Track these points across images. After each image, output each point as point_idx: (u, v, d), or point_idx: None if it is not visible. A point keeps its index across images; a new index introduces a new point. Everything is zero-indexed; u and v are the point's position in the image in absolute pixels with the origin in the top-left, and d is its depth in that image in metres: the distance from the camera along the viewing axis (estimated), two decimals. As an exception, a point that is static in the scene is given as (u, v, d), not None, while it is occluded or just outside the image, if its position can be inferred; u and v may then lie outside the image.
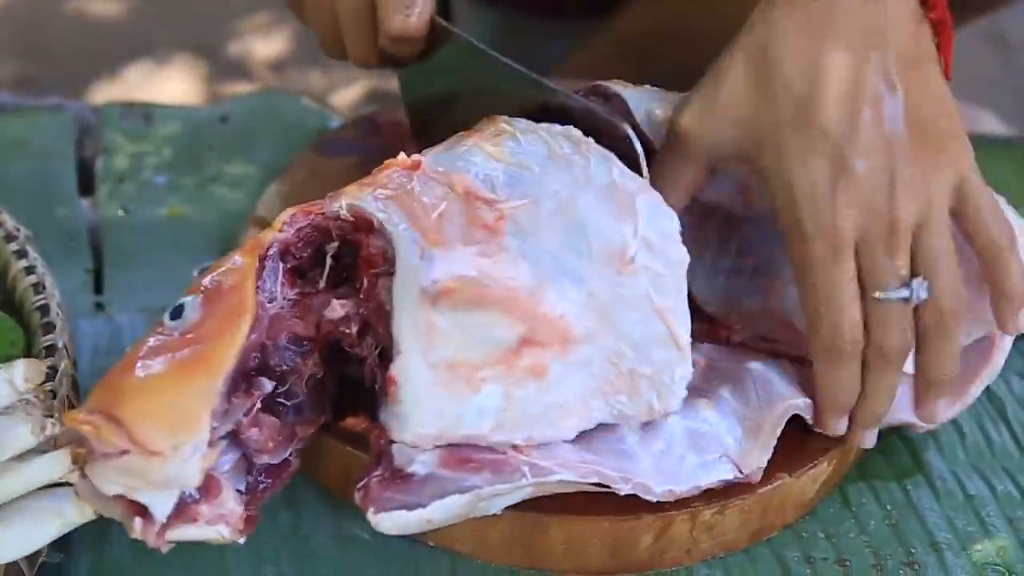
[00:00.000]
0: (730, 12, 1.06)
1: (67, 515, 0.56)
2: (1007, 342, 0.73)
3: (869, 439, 0.68)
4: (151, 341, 0.58)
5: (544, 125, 0.66)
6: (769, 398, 0.67)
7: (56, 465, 0.55)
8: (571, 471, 0.61)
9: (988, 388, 0.79)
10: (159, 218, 0.89)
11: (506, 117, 0.67)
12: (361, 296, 0.61)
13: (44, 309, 0.68)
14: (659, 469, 0.64)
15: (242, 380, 0.58)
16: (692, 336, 0.63)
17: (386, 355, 0.60)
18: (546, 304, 0.59)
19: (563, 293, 0.60)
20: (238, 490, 0.58)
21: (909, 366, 0.67)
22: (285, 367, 0.60)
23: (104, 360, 0.76)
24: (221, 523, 0.56)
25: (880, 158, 0.63)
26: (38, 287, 0.69)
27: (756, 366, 0.69)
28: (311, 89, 1.83)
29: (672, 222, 0.63)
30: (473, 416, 0.59)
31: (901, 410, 0.69)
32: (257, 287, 0.60)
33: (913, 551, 0.69)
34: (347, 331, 0.61)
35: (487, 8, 1.29)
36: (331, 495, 0.69)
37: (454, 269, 0.58)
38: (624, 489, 0.62)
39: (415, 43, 0.72)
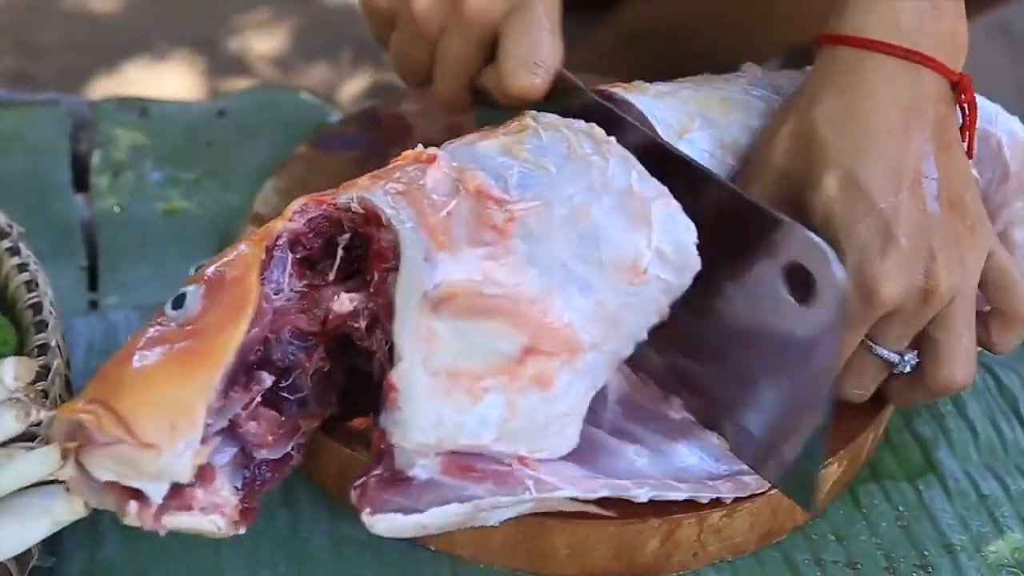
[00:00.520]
0: (729, 10, 1.06)
1: (57, 513, 0.55)
2: None
3: None
4: (151, 331, 0.57)
5: (568, 121, 0.64)
6: None
7: (45, 461, 0.54)
8: (577, 487, 0.59)
9: (1001, 384, 0.79)
10: (155, 214, 0.88)
11: (535, 112, 0.65)
12: (371, 290, 0.59)
13: (37, 307, 0.67)
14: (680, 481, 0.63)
15: (242, 374, 0.57)
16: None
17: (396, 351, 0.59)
18: (552, 312, 0.57)
19: (571, 301, 0.58)
20: (235, 486, 0.57)
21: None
22: (288, 361, 0.59)
23: (98, 359, 0.75)
24: (216, 512, 0.55)
25: (921, 235, 0.64)
26: (31, 284, 0.68)
27: None
28: (310, 85, 1.83)
29: (689, 232, 0.60)
30: (474, 426, 0.57)
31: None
32: (264, 278, 0.59)
33: (926, 553, 0.68)
34: (356, 325, 0.59)
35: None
36: (329, 496, 0.68)
37: (458, 273, 0.57)
38: (641, 495, 0.61)
39: (534, 100, 0.69)
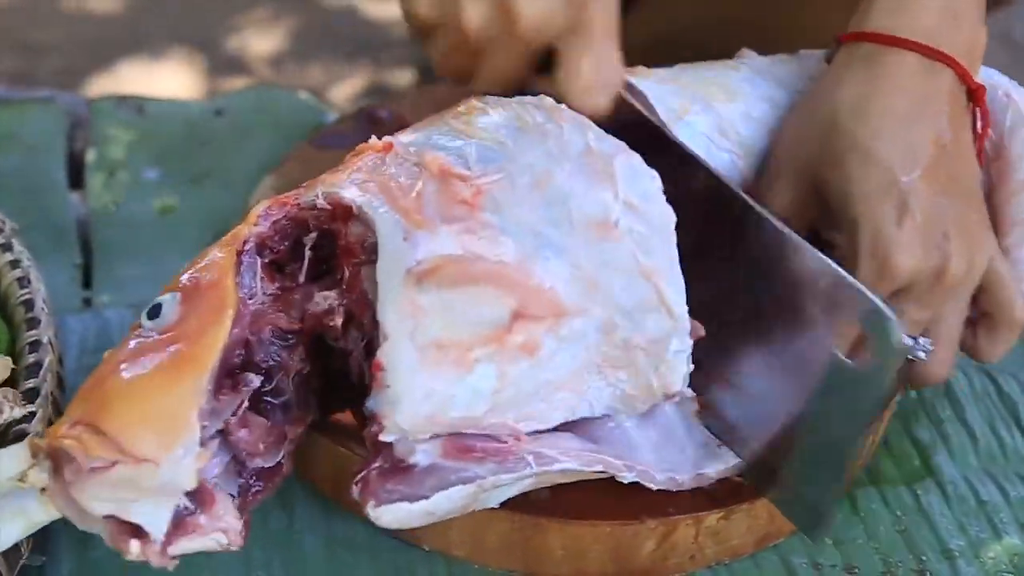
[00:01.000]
0: (735, 17, 1.06)
1: (32, 514, 0.54)
2: None
3: None
4: (131, 344, 0.56)
5: (517, 97, 0.64)
6: None
7: (14, 460, 0.53)
8: (575, 459, 0.59)
9: (1000, 390, 0.78)
10: (150, 213, 0.88)
11: (481, 96, 0.65)
12: (344, 287, 0.59)
13: (29, 304, 0.66)
14: (660, 457, 0.62)
15: (227, 377, 0.56)
16: None
17: (372, 347, 0.58)
18: (535, 277, 0.58)
19: (548, 266, 0.58)
20: (231, 494, 0.57)
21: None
22: (271, 362, 0.58)
23: (92, 357, 0.75)
24: (220, 533, 0.55)
25: (937, 215, 0.64)
26: (23, 281, 0.68)
27: None
28: (308, 84, 1.82)
29: (653, 181, 0.61)
30: (467, 397, 0.57)
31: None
32: (237, 283, 0.58)
33: (924, 558, 0.67)
34: (331, 324, 0.59)
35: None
36: (323, 496, 0.67)
37: (439, 249, 0.56)
38: (628, 477, 0.61)
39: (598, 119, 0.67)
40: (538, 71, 0.69)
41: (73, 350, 0.75)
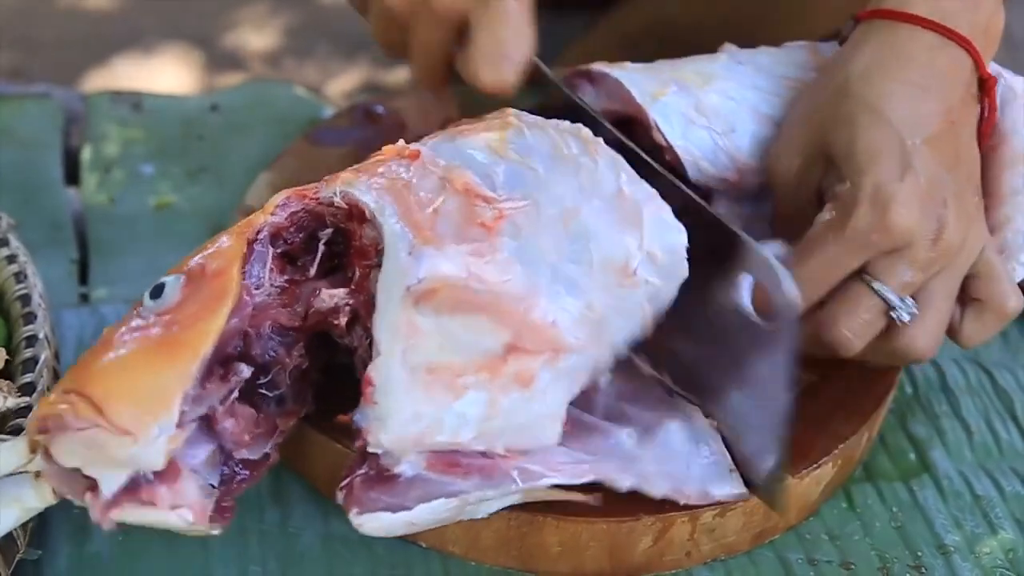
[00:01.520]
0: (727, 7, 1.06)
1: (26, 500, 0.54)
2: None
3: None
4: (130, 321, 0.56)
5: (553, 122, 0.64)
6: None
7: (14, 453, 0.53)
8: (562, 475, 0.59)
9: (996, 384, 0.78)
10: (146, 208, 0.87)
11: (515, 110, 0.65)
12: (352, 287, 0.59)
13: (25, 299, 0.66)
14: (662, 471, 0.62)
15: (219, 366, 0.56)
16: None
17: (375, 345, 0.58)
18: (537, 311, 0.57)
19: (558, 301, 0.57)
20: (212, 484, 0.56)
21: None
22: (268, 357, 0.58)
23: (88, 352, 0.75)
24: (182, 509, 0.54)
25: (939, 183, 0.64)
26: (20, 276, 0.68)
27: None
28: (305, 80, 1.82)
29: (680, 236, 0.61)
30: (453, 423, 0.56)
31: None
32: (244, 272, 0.58)
33: (920, 553, 0.67)
34: (336, 322, 0.59)
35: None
36: (319, 493, 0.67)
37: (442, 269, 0.56)
38: (624, 484, 0.60)
39: (504, 94, 0.69)
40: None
41: (70, 345, 0.75)
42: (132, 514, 0.54)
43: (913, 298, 0.65)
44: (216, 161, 0.91)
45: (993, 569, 0.67)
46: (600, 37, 1.21)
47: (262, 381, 0.58)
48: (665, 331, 0.63)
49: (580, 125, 0.63)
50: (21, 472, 0.54)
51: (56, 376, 0.65)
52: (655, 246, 0.60)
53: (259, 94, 0.99)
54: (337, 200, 0.59)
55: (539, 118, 0.64)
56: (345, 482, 0.56)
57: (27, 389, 0.61)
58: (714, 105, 0.71)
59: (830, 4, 0.71)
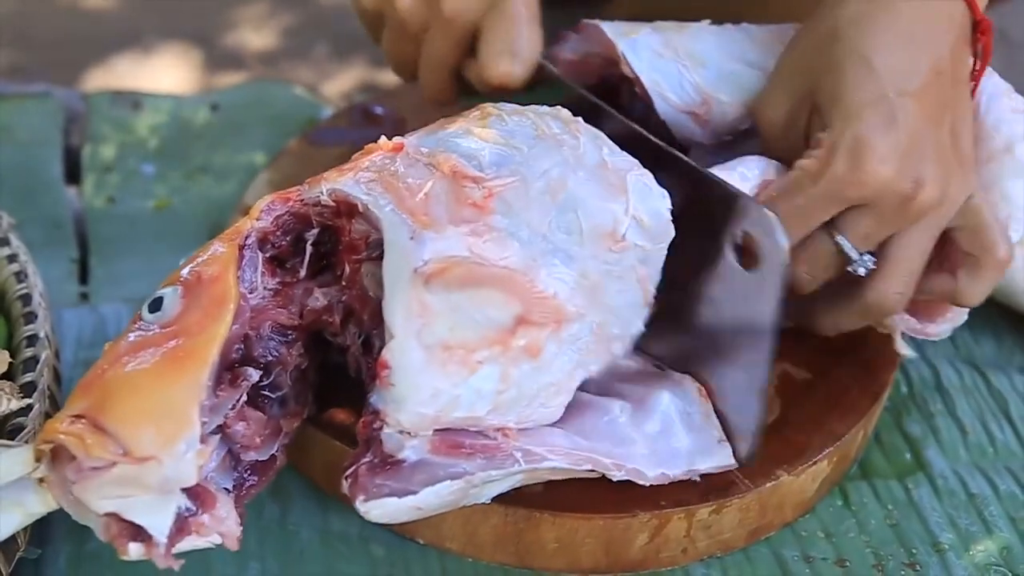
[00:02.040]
0: (717, 5, 1.06)
1: (29, 505, 0.54)
2: None
3: None
4: (131, 336, 0.56)
5: (532, 107, 0.65)
6: None
7: (19, 462, 0.53)
8: (563, 458, 0.60)
9: (991, 386, 0.78)
10: (146, 208, 0.88)
11: (494, 103, 0.65)
12: (343, 283, 0.59)
13: (26, 298, 0.67)
14: (654, 451, 0.63)
15: (226, 372, 0.56)
16: None
17: (369, 343, 0.59)
18: (540, 283, 0.58)
19: (554, 272, 0.59)
20: (225, 488, 0.57)
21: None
22: (270, 358, 0.59)
23: (88, 351, 0.75)
24: (218, 534, 0.55)
25: (920, 139, 0.64)
26: (20, 276, 0.68)
27: None
28: (304, 80, 1.83)
29: (663, 200, 0.62)
30: (470, 398, 0.57)
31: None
32: (238, 277, 0.58)
33: (915, 551, 0.68)
34: (330, 320, 0.59)
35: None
36: (318, 489, 0.68)
37: (445, 249, 0.57)
38: (617, 476, 0.61)
39: (515, 90, 0.71)
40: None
41: (70, 344, 0.75)
42: (179, 547, 0.54)
43: (879, 251, 0.65)
44: (215, 160, 0.92)
45: (987, 567, 0.67)
46: None
47: (264, 383, 0.59)
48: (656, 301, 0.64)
49: (560, 108, 0.65)
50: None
51: (56, 375, 0.65)
52: (641, 211, 0.61)
53: (258, 94, 0.99)
54: (324, 199, 0.59)
55: (516, 106, 0.65)
56: (350, 471, 0.57)
57: (28, 388, 0.61)
58: (686, 44, 0.72)
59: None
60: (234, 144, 0.93)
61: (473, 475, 0.57)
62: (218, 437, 0.56)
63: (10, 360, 0.63)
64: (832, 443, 0.68)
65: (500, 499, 0.61)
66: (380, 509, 0.56)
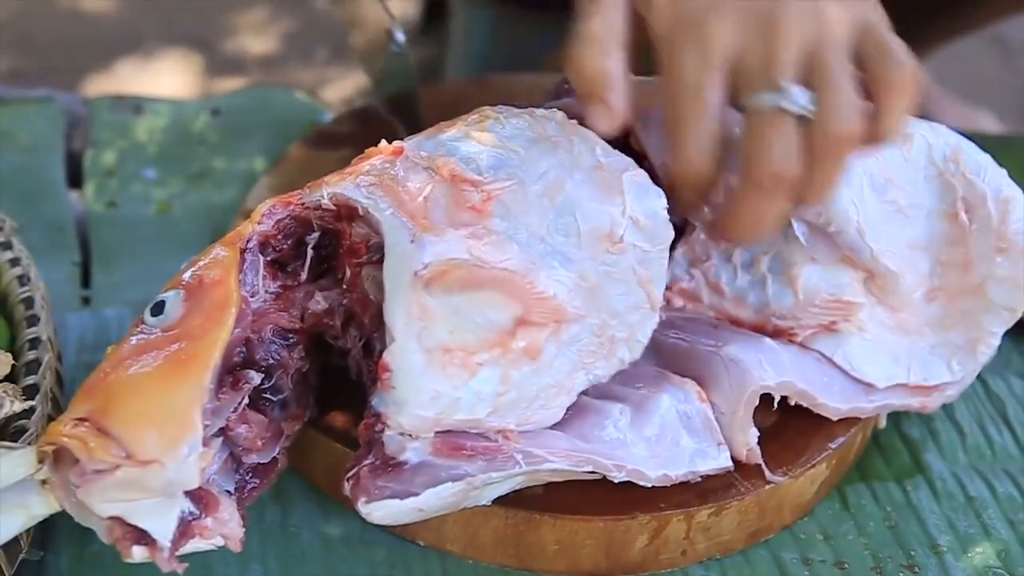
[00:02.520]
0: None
1: (31, 508, 0.54)
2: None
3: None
4: (133, 340, 0.56)
5: (529, 109, 0.65)
6: (742, 382, 0.66)
7: (22, 464, 0.53)
8: (563, 459, 0.60)
9: (988, 389, 0.79)
10: (148, 212, 0.88)
11: (492, 106, 0.66)
12: (344, 287, 0.60)
13: (28, 302, 0.67)
14: (654, 454, 0.63)
15: (228, 375, 0.56)
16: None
17: (370, 346, 0.59)
18: (539, 285, 0.58)
19: (553, 274, 0.59)
20: (227, 491, 0.57)
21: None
22: (271, 361, 0.59)
23: (90, 355, 0.75)
24: (224, 536, 0.55)
25: None
26: (23, 279, 0.68)
27: (730, 349, 0.67)
28: (305, 84, 1.83)
29: (659, 199, 0.62)
30: (471, 400, 0.57)
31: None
32: (240, 281, 0.58)
33: (913, 553, 0.68)
34: (331, 323, 0.60)
35: (480, 4, 1.29)
36: (319, 492, 0.68)
37: (445, 252, 0.57)
38: (618, 477, 0.61)
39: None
40: None
41: (72, 348, 0.76)
42: (183, 550, 0.54)
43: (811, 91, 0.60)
44: (217, 165, 0.92)
45: (985, 569, 0.68)
46: None
47: (266, 386, 0.59)
48: None
49: (555, 109, 0.65)
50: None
51: (58, 378, 0.65)
52: (637, 211, 0.61)
53: (259, 98, 0.99)
54: (325, 202, 0.60)
55: (514, 108, 0.65)
56: (351, 473, 0.57)
57: (30, 391, 0.62)
58: None
59: None
60: (235, 148, 0.93)
61: (474, 477, 0.58)
62: (220, 440, 0.56)
63: (13, 363, 0.63)
64: (830, 445, 0.68)
65: (501, 501, 0.62)
66: (382, 511, 0.57)
